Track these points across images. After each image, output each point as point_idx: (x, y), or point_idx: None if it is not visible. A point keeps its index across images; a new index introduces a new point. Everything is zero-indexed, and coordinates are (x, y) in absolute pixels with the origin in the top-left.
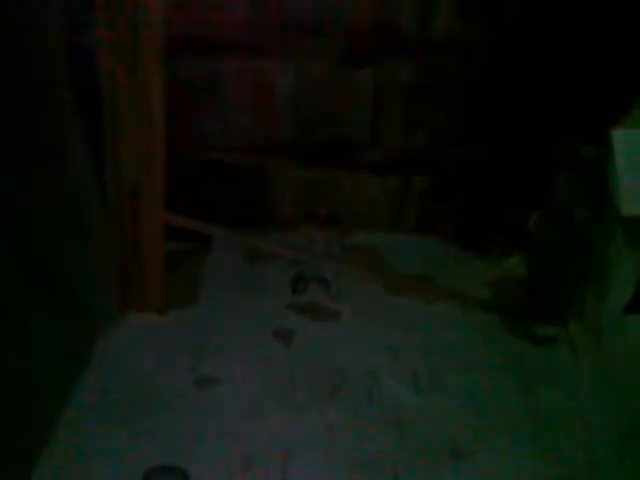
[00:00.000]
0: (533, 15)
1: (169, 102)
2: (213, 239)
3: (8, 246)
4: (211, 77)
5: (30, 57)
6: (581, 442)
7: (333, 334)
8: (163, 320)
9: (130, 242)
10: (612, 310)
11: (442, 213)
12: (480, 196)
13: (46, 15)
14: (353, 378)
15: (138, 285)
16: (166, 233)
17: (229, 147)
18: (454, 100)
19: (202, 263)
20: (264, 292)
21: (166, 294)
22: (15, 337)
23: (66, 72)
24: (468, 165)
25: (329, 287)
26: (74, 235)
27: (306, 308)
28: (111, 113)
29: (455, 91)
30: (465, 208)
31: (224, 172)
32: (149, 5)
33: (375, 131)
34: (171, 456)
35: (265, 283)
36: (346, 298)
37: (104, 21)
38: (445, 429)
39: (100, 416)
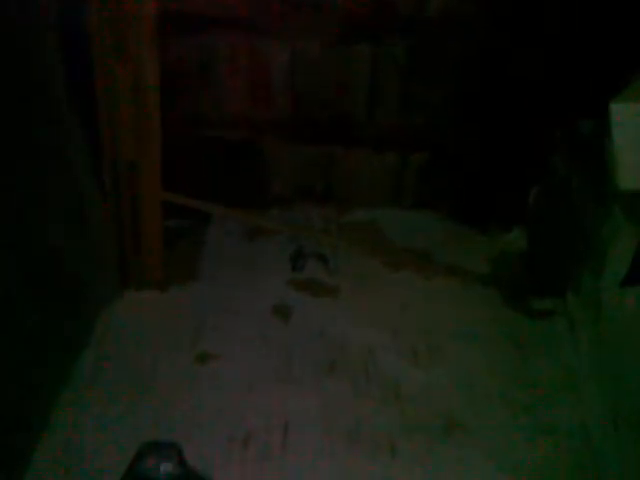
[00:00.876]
0: None
1: (164, 81)
2: (211, 217)
3: (4, 230)
4: (205, 55)
5: (29, 55)
6: (577, 413)
7: (332, 310)
8: (162, 298)
9: (128, 221)
10: (609, 284)
11: (440, 189)
12: (479, 172)
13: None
14: (352, 353)
15: (137, 264)
16: (164, 211)
17: (225, 125)
18: (451, 76)
19: (201, 241)
20: (263, 269)
21: (165, 272)
22: (12, 319)
23: (60, 57)
24: (466, 141)
25: (328, 263)
26: (72, 216)
27: (305, 284)
28: (106, 95)
29: (452, 68)
30: (464, 184)
31: (221, 150)
32: None
33: (372, 109)
34: (171, 432)
35: (264, 260)
36: (345, 274)
37: (96, 5)
38: (441, 404)
39: (100, 394)
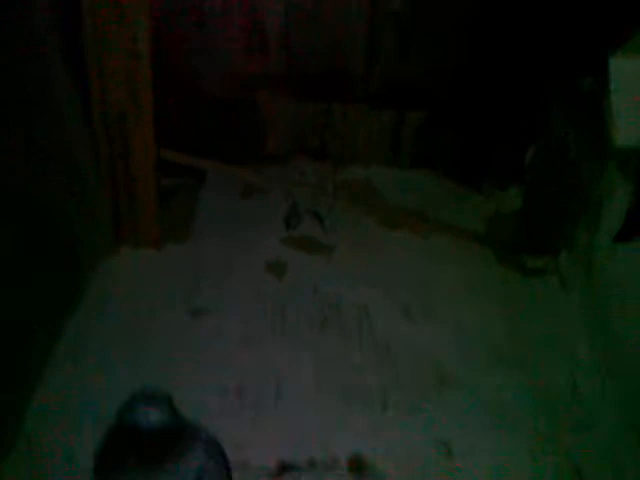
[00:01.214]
0: None
1: (157, 37)
2: (206, 175)
3: None
4: (198, 6)
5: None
6: (566, 367)
7: (326, 268)
8: (157, 254)
9: (122, 178)
10: (603, 241)
11: (437, 148)
12: (475, 131)
13: None
14: (345, 310)
15: (132, 220)
16: (160, 169)
17: (220, 81)
18: (451, 30)
19: (196, 198)
20: (258, 226)
21: (160, 229)
22: (10, 277)
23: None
24: (464, 100)
25: (323, 221)
26: (65, 174)
27: (299, 242)
28: (95, 48)
29: (452, 21)
30: (461, 143)
31: (215, 107)
32: None
33: (369, 63)
34: (166, 384)
35: (259, 218)
36: (340, 232)
37: None
38: (433, 359)
39: (95, 347)
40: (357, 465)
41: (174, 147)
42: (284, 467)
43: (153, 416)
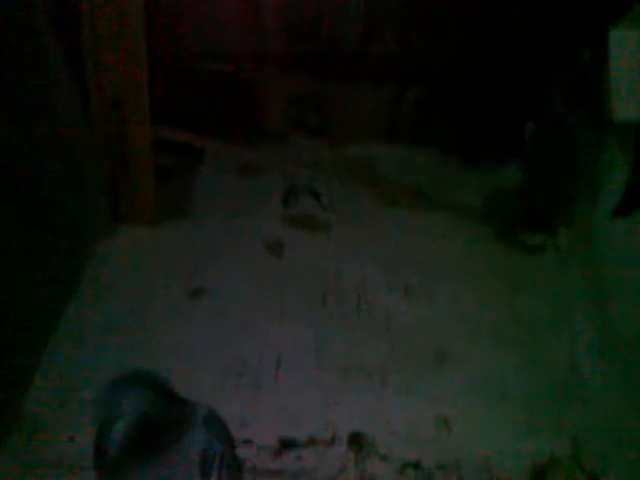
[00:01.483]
0: None
1: (152, 14)
2: (203, 154)
3: None
4: None
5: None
6: (564, 346)
7: (324, 246)
8: (155, 233)
9: (118, 156)
10: (603, 217)
11: (436, 125)
12: (474, 107)
13: None
14: (344, 288)
15: (129, 199)
16: (157, 147)
17: (216, 58)
18: (447, 7)
19: (193, 177)
20: (256, 205)
21: (157, 208)
22: (5, 256)
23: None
24: (462, 75)
25: (321, 199)
26: (61, 154)
27: (298, 221)
28: (91, 28)
29: None
30: (460, 119)
31: (212, 84)
32: None
33: (368, 40)
34: (165, 364)
35: (257, 196)
36: (338, 210)
37: None
38: (432, 336)
39: (94, 327)
40: (357, 441)
41: (171, 125)
42: (284, 444)
43: (131, 406)
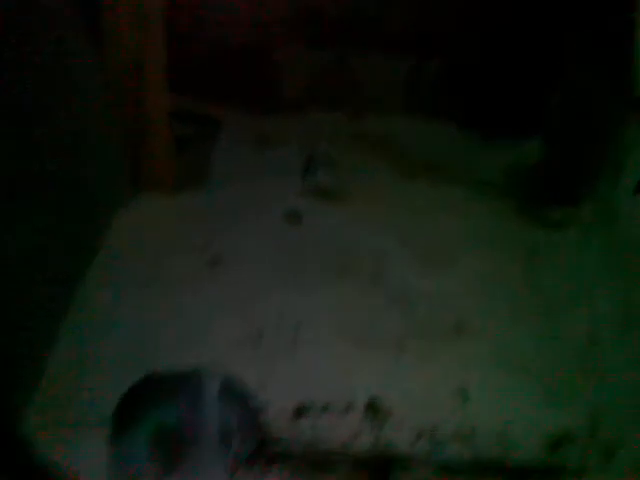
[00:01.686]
0: None
1: None
2: (222, 124)
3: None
4: None
5: None
6: (584, 320)
7: (342, 217)
8: (173, 203)
9: (136, 125)
10: (625, 192)
11: (456, 97)
12: (495, 80)
13: None
14: (362, 259)
15: (147, 168)
16: (175, 117)
17: (235, 28)
18: None
19: (212, 147)
20: (274, 176)
21: (176, 176)
22: (25, 222)
23: None
24: (482, 47)
25: (338, 171)
26: (78, 121)
27: (315, 191)
28: None
29: None
30: (480, 92)
31: (231, 55)
32: None
33: (387, 9)
34: (185, 332)
35: (275, 167)
36: (356, 182)
37: None
38: (450, 308)
39: (114, 295)
40: (373, 409)
41: (189, 95)
42: (301, 410)
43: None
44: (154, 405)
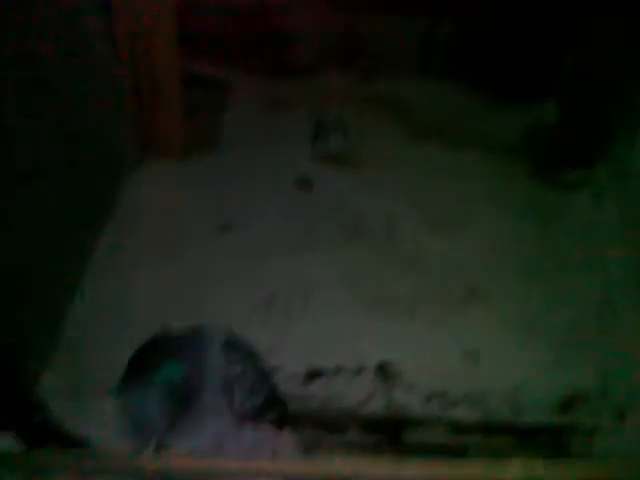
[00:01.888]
0: None
1: None
2: (231, 87)
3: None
4: None
5: None
6: (597, 283)
7: (354, 182)
8: (183, 168)
9: (146, 89)
10: None
11: (469, 58)
12: (510, 39)
13: None
14: (372, 223)
15: (157, 132)
16: (185, 81)
17: None
18: None
19: (222, 111)
20: (284, 141)
21: (186, 141)
22: (37, 192)
23: None
24: (498, 6)
25: (350, 135)
26: (88, 85)
27: (327, 156)
28: None
29: None
30: (494, 53)
31: (241, 17)
32: None
33: None
34: (196, 299)
35: (285, 132)
36: (368, 146)
37: None
38: (462, 271)
39: (124, 263)
40: (385, 372)
41: (200, 59)
42: (313, 373)
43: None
44: (160, 359)
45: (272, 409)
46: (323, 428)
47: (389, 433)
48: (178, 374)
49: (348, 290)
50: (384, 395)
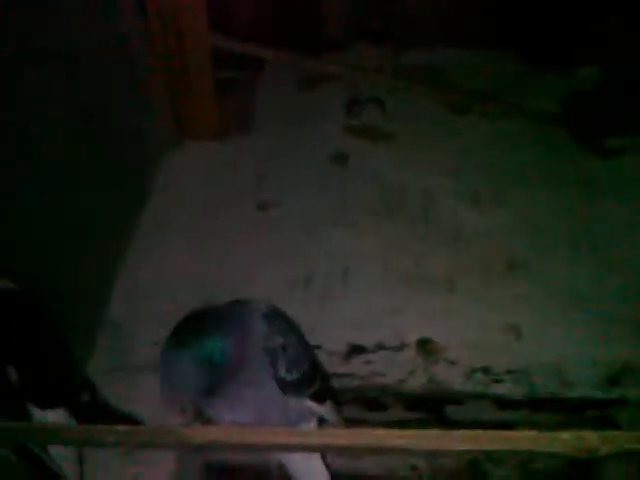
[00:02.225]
0: None
1: None
2: (264, 66)
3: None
4: None
5: None
6: None
7: (389, 156)
8: (219, 148)
9: (178, 71)
10: None
11: (508, 22)
12: (549, 3)
13: None
14: (410, 198)
15: (191, 114)
16: (217, 62)
17: None
18: None
19: (255, 90)
20: (319, 117)
21: (220, 122)
22: (79, 177)
23: None
24: None
25: (385, 108)
26: (122, 71)
27: (362, 131)
28: None
29: None
30: (532, 17)
31: None
32: None
33: None
34: (236, 274)
35: (320, 108)
36: (403, 119)
37: None
38: (503, 243)
39: (166, 240)
40: (426, 348)
41: (231, 35)
42: (354, 349)
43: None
44: (203, 330)
45: (314, 381)
46: (365, 406)
47: (432, 410)
48: (222, 345)
49: (386, 266)
50: (425, 372)
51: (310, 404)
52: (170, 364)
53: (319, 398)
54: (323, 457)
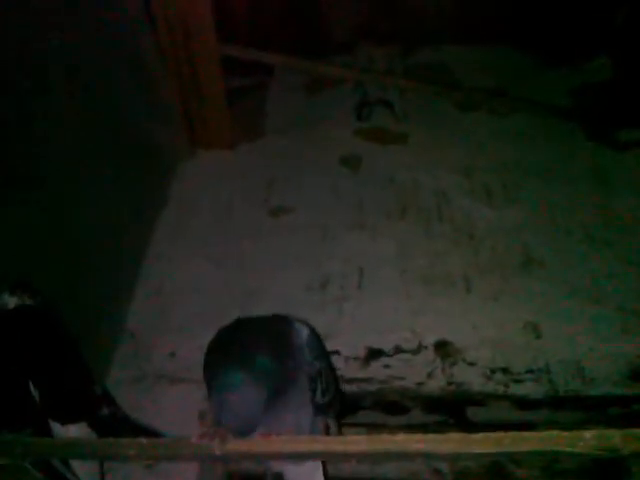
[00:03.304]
0: None
1: None
2: (273, 73)
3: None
4: None
5: None
6: None
7: (401, 157)
8: (232, 155)
9: (190, 81)
10: None
11: (516, 19)
12: None
13: None
14: (423, 197)
15: (203, 123)
16: (226, 71)
17: None
18: None
19: (265, 97)
20: (329, 121)
21: (232, 129)
22: (94, 187)
23: None
24: None
25: (394, 109)
26: (135, 82)
27: (372, 132)
28: None
29: None
30: (542, 10)
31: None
32: None
33: None
34: (253, 279)
35: (329, 112)
36: (413, 119)
37: None
38: (518, 240)
39: (183, 248)
40: (444, 349)
41: (238, 42)
42: (372, 353)
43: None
44: (250, 348)
45: (338, 402)
46: (384, 410)
47: (452, 412)
48: (272, 365)
49: (402, 267)
50: (444, 373)
51: (332, 424)
52: (230, 390)
53: (338, 417)
54: (324, 467)
